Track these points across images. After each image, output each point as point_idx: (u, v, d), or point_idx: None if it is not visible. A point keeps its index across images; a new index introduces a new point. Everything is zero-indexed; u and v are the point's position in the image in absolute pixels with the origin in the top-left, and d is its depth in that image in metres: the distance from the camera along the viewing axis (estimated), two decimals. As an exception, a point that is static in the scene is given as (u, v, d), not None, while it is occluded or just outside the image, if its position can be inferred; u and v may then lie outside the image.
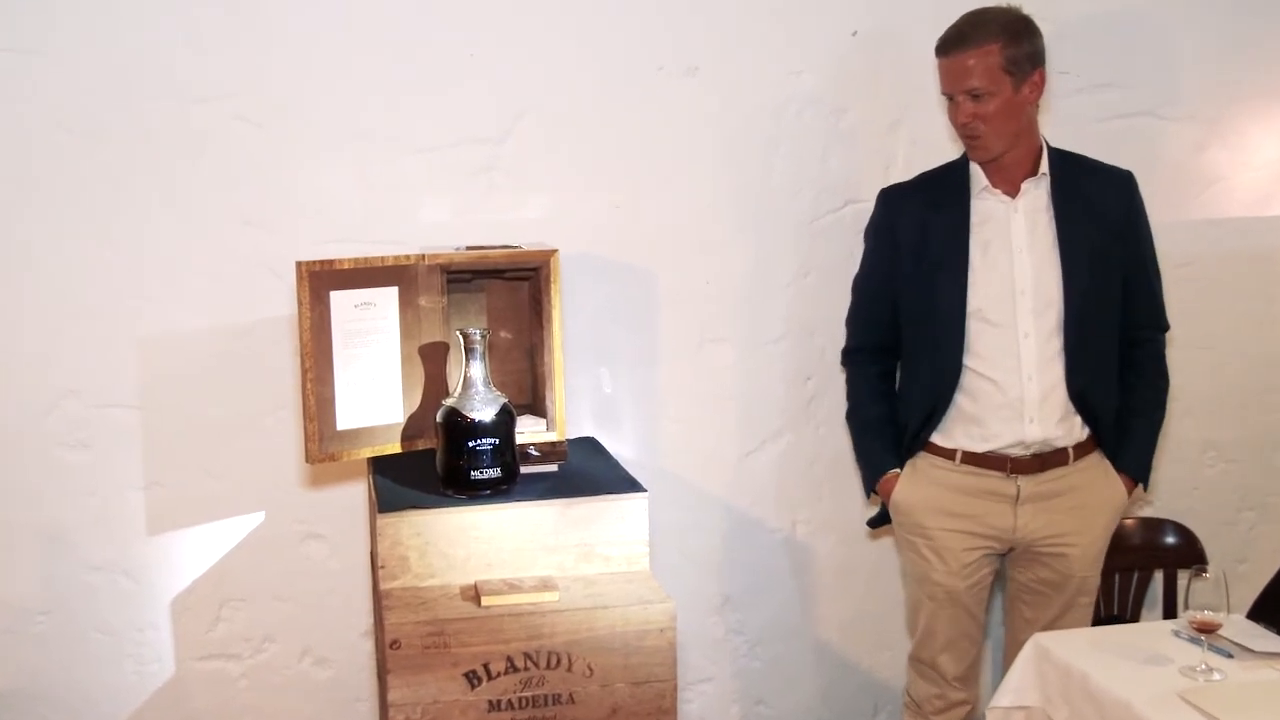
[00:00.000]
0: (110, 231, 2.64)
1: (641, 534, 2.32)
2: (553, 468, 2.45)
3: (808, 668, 3.18)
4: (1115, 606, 2.90)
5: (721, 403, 3.00)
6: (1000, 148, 2.47)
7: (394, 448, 2.43)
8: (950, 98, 2.48)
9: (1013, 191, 2.53)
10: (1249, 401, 3.29)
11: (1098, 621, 2.72)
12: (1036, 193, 2.53)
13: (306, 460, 2.34)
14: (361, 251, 2.50)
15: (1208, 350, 3.21)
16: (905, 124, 2.97)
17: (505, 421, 2.29)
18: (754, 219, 2.95)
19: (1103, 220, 2.53)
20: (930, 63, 2.52)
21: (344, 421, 2.36)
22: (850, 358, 2.77)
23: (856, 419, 2.75)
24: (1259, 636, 2.24)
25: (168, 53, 2.60)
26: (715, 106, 2.87)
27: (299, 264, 2.29)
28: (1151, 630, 2.37)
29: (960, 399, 2.55)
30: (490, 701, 2.13)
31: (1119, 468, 2.59)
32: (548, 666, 2.14)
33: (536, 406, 2.56)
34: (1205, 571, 2.15)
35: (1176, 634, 2.28)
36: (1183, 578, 2.65)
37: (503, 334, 2.65)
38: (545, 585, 2.20)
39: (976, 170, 2.54)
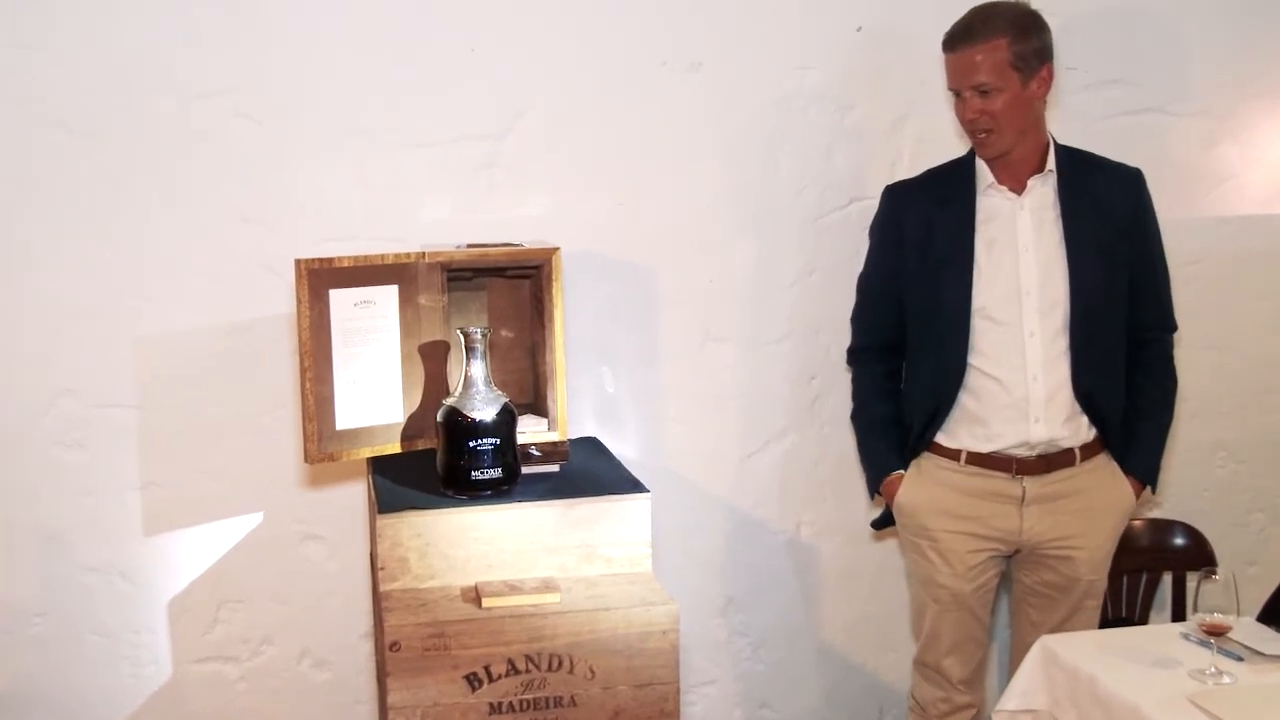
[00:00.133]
0: (110, 231, 2.63)
1: (644, 535, 2.30)
2: (554, 468, 2.43)
3: (812, 670, 3.16)
4: (1123, 609, 2.88)
5: (725, 402, 2.98)
6: (1007, 144, 2.45)
7: (394, 448, 2.41)
8: (957, 93, 2.46)
9: (1019, 188, 2.50)
10: (1259, 402, 3.27)
11: (1105, 624, 2.71)
12: (1043, 190, 2.50)
13: (305, 460, 2.32)
14: (361, 249, 2.50)
15: (1218, 350, 3.19)
16: (911, 120, 2.95)
17: (506, 421, 2.28)
18: (758, 217, 2.93)
19: (1110, 218, 2.51)
20: (937, 58, 2.50)
21: (343, 421, 2.34)
22: (855, 357, 2.75)
23: (861, 419, 2.73)
24: (1269, 640, 2.22)
25: (168, 51, 2.60)
26: (718, 103, 2.85)
27: (298, 262, 2.27)
28: (1160, 633, 2.37)
29: (964, 398, 2.53)
30: (491, 704, 2.11)
31: (1127, 470, 2.57)
32: (549, 669, 2.13)
33: (538, 406, 2.55)
34: (1215, 574, 2.13)
35: (1186, 637, 2.26)
36: (1192, 580, 2.62)
37: (504, 333, 2.64)
38: (547, 587, 2.18)
39: (983, 167, 2.52)
